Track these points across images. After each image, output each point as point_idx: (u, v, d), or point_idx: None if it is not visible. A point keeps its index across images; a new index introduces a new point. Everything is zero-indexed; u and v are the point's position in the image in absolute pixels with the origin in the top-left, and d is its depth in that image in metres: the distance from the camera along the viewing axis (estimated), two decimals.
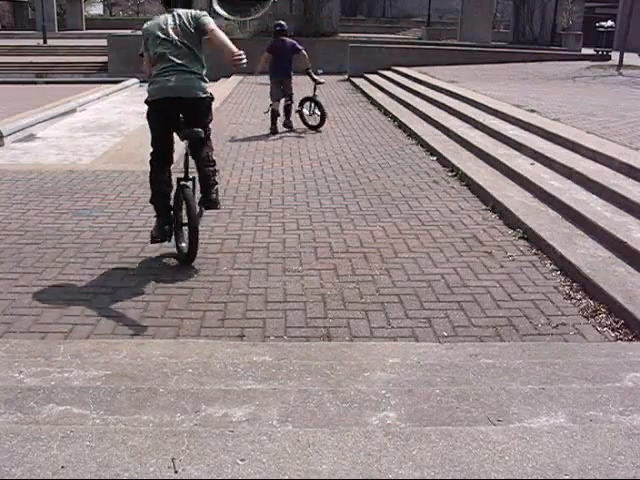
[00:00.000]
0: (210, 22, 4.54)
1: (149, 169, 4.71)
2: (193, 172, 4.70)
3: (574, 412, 2.38)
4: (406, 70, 16.95)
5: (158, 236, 4.67)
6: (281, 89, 10.36)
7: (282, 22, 10.79)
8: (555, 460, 1.98)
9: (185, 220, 4.59)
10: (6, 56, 26.77)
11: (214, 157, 4.74)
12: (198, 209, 4.60)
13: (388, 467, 1.94)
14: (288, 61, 10.30)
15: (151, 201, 4.76)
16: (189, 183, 4.62)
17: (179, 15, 4.56)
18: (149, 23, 4.71)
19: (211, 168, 4.64)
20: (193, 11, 4.63)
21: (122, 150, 9.03)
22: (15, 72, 23.75)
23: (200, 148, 4.58)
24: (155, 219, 4.77)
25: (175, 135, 4.62)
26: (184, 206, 4.57)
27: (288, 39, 10.40)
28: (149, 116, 4.59)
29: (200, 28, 4.52)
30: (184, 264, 4.65)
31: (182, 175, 4.65)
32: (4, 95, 15.24)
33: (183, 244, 4.69)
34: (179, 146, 4.76)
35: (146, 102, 4.56)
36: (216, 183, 4.70)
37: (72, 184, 6.89)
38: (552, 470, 1.93)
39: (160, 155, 4.64)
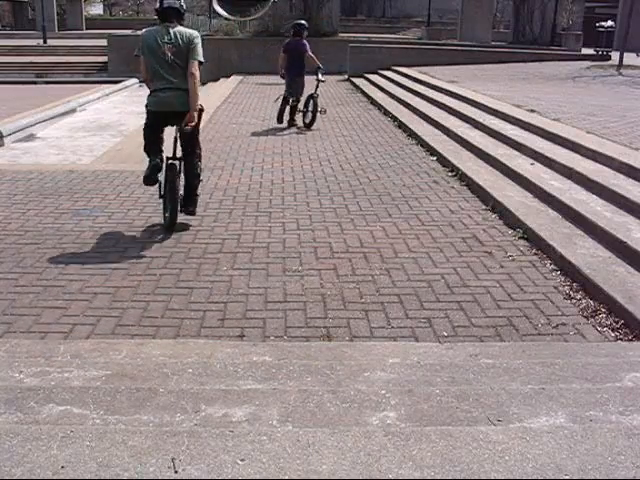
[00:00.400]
0: (196, 59, 5.10)
1: (143, 129, 5.43)
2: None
3: (574, 412, 2.38)
4: (406, 70, 16.95)
5: (150, 174, 5.33)
6: (293, 87, 10.63)
7: (301, 22, 11.05)
8: (555, 460, 1.98)
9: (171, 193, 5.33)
10: (6, 56, 26.77)
11: (201, 168, 5.57)
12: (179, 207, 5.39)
13: (388, 467, 1.94)
14: (300, 61, 10.55)
15: (145, 149, 5.43)
16: (176, 162, 5.33)
17: (175, 34, 5.12)
18: (147, 32, 5.30)
19: (196, 181, 5.49)
20: (189, 32, 5.21)
21: (122, 150, 9.03)
22: (15, 72, 23.76)
23: (189, 153, 5.39)
24: (149, 163, 5.39)
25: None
26: (169, 182, 5.28)
27: (302, 40, 10.62)
28: (147, 119, 5.36)
29: (189, 52, 5.12)
30: (167, 231, 5.35)
31: (171, 155, 5.36)
32: (4, 95, 15.25)
33: (167, 214, 5.39)
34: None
35: (146, 107, 5.33)
36: (197, 195, 5.58)
37: (72, 184, 6.89)
38: (552, 470, 1.93)
39: (151, 146, 5.37)
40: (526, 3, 26.70)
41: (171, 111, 5.16)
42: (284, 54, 10.55)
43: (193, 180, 5.45)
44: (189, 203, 5.47)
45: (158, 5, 5.24)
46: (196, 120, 5.12)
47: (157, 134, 5.32)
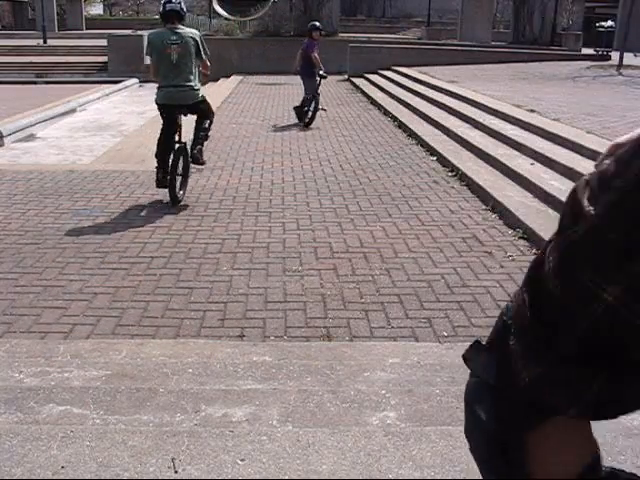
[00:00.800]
0: (206, 56, 5.97)
1: (159, 136, 6.08)
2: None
3: None
4: (406, 70, 16.95)
5: (160, 183, 6.02)
6: (304, 85, 10.98)
7: (315, 23, 11.38)
8: None
9: (180, 171, 6.07)
10: (6, 56, 26.73)
11: (211, 122, 6.33)
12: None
13: (388, 467, 1.94)
14: (307, 61, 10.85)
15: (156, 155, 6.06)
16: (183, 145, 6.08)
17: (180, 35, 5.77)
18: (153, 34, 5.98)
19: (202, 133, 6.20)
20: (191, 32, 5.93)
21: (122, 150, 9.03)
22: (15, 72, 23.72)
23: (201, 121, 6.20)
24: (156, 170, 6.04)
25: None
26: (180, 161, 6.03)
27: (312, 40, 10.93)
28: (159, 111, 6.07)
29: (197, 53, 5.88)
30: (175, 204, 6.00)
31: (178, 138, 6.08)
32: (4, 95, 15.24)
33: (181, 191, 6.13)
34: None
35: (156, 102, 6.03)
36: (202, 145, 6.26)
37: (72, 184, 6.89)
38: None
39: (167, 132, 6.01)
40: (526, 3, 26.69)
41: (176, 104, 5.92)
42: (300, 52, 10.99)
43: (199, 132, 6.19)
44: (194, 147, 6.18)
45: (161, 8, 5.90)
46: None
47: (170, 123, 5.97)
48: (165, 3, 5.80)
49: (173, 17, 5.78)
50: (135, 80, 19.74)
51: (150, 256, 4.85)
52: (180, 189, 6.08)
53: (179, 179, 6.08)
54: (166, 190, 6.02)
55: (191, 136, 6.28)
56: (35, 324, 3.74)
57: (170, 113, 5.94)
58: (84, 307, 3.98)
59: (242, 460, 1.96)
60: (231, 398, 2.47)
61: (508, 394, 0.77)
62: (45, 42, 31.47)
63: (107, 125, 12.16)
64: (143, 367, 2.93)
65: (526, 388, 0.75)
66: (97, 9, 62.59)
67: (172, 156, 5.95)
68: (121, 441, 2.04)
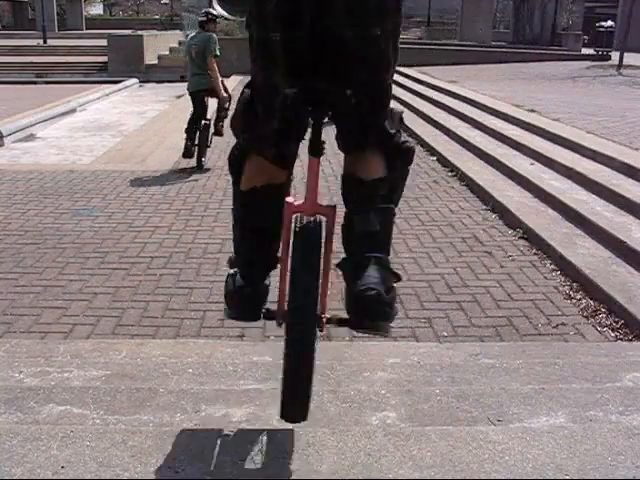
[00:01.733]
0: (211, 56, 7.37)
1: (189, 116, 7.72)
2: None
3: (574, 412, 2.37)
4: (406, 70, 16.95)
5: (186, 154, 7.59)
6: None
7: None
8: (555, 460, 1.98)
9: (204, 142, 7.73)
10: (6, 56, 26.74)
11: (229, 106, 7.59)
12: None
13: (388, 467, 1.94)
14: None
15: (185, 131, 7.56)
16: (208, 122, 7.70)
17: (198, 39, 7.56)
18: (189, 37, 7.92)
19: (222, 113, 7.70)
20: (206, 36, 7.47)
21: (122, 150, 9.03)
22: (15, 72, 23.74)
23: (221, 103, 7.72)
24: (184, 142, 7.60)
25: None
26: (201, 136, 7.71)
27: None
28: (190, 96, 7.77)
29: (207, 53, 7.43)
30: (200, 168, 7.60)
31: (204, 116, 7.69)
32: (4, 95, 15.25)
33: (203, 158, 7.73)
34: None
35: (187, 89, 7.86)
36: (223, 121, 7.64)
37: (72, 184, 6.89)
38: (552, 470, 1.93)
39: (195, 113, 7.61)
40: (526, 3, 26.71)
41: (197, 89, 7.58)
42: None
43: (219, 112, 7.75)
44: (220, 127, 7.73)
45: (199, 19, 7.79)
46: (225, 99, 7.61)
47: (197, 104, 7.59)
48: (198, 14, 7.81)
49: (202, 24, 7.65)
50: (135, 80, 19.76)
51: (150, 256, 4.85)
52: (203, 156, 7.65)
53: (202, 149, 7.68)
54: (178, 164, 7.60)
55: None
56: (35, 324, 3.75)
57: (196, 96, 7.60)
58: (84, 307, 3.98)
59: (242, 460, 1.96)
60: (231, 398, 2.47)
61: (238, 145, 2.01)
62: (45, 42, 31.48)
63: (107, 125, 12.17)
64: (143, 367, 2.92)
65: (243, 143, 1.98)
66: (97, 9, 62.58)
67: (199, 132, 7.51)
68: (121, 441, 2.03)
